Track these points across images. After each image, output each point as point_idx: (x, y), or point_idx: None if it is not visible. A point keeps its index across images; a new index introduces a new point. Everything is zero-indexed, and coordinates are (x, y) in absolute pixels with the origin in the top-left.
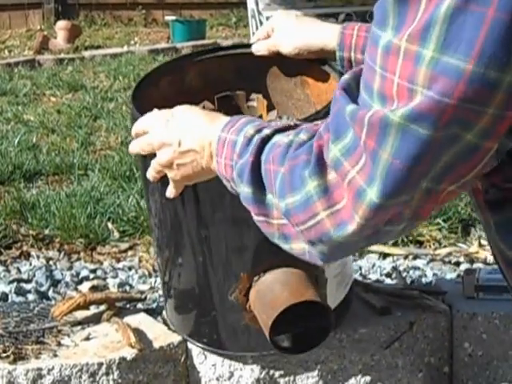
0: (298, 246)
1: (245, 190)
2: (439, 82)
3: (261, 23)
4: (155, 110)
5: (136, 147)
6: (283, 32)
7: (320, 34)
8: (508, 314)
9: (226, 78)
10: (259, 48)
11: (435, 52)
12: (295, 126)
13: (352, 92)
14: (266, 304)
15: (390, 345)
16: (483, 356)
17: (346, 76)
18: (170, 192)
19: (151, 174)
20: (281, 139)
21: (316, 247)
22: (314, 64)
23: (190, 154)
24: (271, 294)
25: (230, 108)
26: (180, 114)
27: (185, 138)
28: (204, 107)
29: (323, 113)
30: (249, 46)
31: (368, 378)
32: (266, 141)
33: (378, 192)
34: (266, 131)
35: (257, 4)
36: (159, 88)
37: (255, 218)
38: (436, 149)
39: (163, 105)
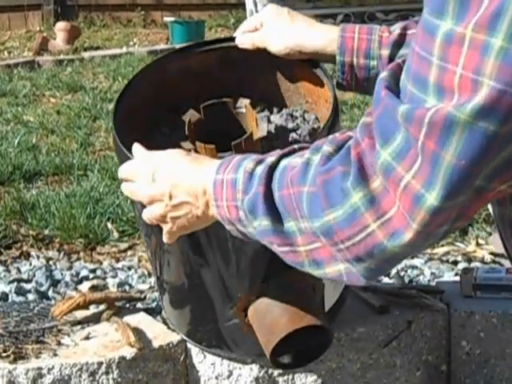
0: (332, 270)
1: (262, 224)
2: (509, 72)
3: None
4: (135, 145)
5: (126, 192)
6: (273, 28)
7: (315, 36)
8: (505, 313)
9: (209, 71)
10: (244, 41)
11: (505, 41)
12: (299, 149)
13: (394, 90)
14: (265, 326)
15: (388, 343)
16: (481, 354)
17: (385, 73)
18: (165, 240)
19: (145, 220)
20: (292, 161)
21: (362, 264)
22: (304, 64)
23: (183, 207)
24: (270, 315)
25: (217, 116)
26: (165, 163)
27: (175, 190)
28: (190, 119)
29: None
30: (233, 39)
31: (366, 377)
32: (273, 168)
33: (438, 195)
34: (271, 159)
35: (255, 5)
36: (140, 93)
37: (279, 249)
38: (500, 145)
39: (144, 110)
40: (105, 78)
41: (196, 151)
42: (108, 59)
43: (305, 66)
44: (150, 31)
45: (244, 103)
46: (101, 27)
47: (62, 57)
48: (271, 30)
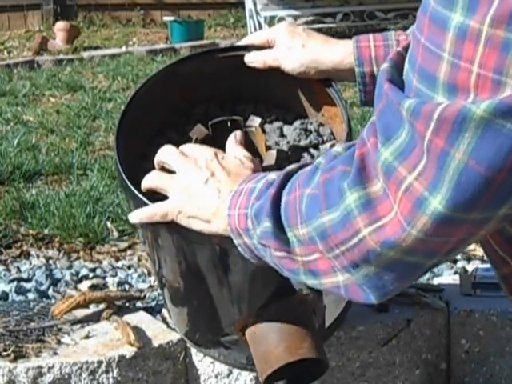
0: (329, 281)
1: (263, 226)
2: None
3: (259, 23)
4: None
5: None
6: (287, 45)
7: (331, 50)
8: (505, 311)
9: (223, 76)
10: (254, 59)
11: None
12: None
13: (398, 83)
14: (260, 352)
15: (388, 342)
16: (480, 352)
17: (386, 65)
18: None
19: (141, 217)
20: (306, 168)
21: (359, 271)
22: (321, 83)
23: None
24: (266, 342)
25: (225, 134)
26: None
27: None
28: (197, 137)
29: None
30: (245, 48)
31: (366, 375)
32: (290, 175)
33: (444, 200)
34: (292, 166)
35: (255, 4)
36: (149, 98)
37: (275, 253)
38: None
39: (153, 115)
40: (104, 77)
41: None
42: (107, 59)
43: (321, 84)
44: (149, 31)
45: (255, 123)
46: (100, 27)
47: (61, 56)
48: (285, 47)
